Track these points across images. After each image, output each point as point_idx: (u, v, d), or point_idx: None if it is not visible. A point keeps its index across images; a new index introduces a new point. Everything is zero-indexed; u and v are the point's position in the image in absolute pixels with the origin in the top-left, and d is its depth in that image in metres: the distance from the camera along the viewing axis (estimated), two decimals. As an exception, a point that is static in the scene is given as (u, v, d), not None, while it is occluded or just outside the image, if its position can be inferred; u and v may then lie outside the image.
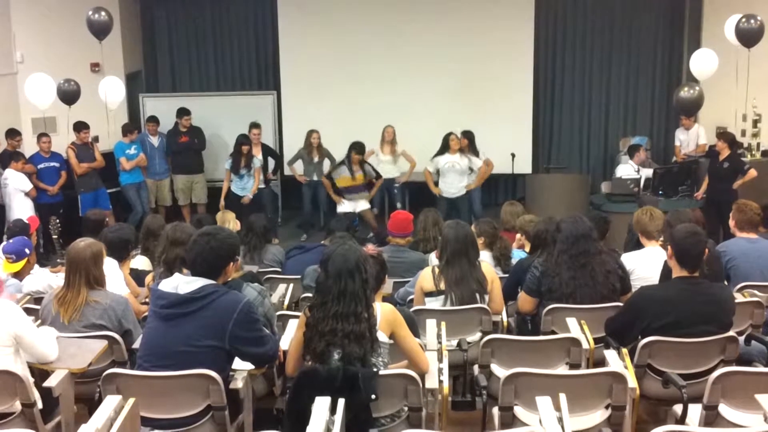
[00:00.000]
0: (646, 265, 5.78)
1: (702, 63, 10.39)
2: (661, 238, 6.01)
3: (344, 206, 10.97)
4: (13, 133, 10.51)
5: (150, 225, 7.09)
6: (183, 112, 11.94)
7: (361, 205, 11.01)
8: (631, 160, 11.25)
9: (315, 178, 11.58)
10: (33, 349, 4.21)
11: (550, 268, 5.31)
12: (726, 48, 10.51)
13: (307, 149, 11.53)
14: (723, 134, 10.23)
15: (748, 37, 9.77)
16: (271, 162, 12.22)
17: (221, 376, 3.85)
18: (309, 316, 3.89)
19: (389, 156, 11.49)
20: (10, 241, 6.06)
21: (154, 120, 12.05)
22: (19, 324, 4.19)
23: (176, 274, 4.00)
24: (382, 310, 3.99)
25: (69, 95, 10.37)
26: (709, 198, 10.09)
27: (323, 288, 3.87)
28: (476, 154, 11.04)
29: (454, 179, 10.73)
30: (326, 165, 11.59)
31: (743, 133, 11.20)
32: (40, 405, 4.10)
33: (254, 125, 11.62)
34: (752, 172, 9.80)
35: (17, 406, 4.04)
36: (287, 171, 12.83)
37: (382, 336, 3.92)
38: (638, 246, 6.31)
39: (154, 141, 11.95)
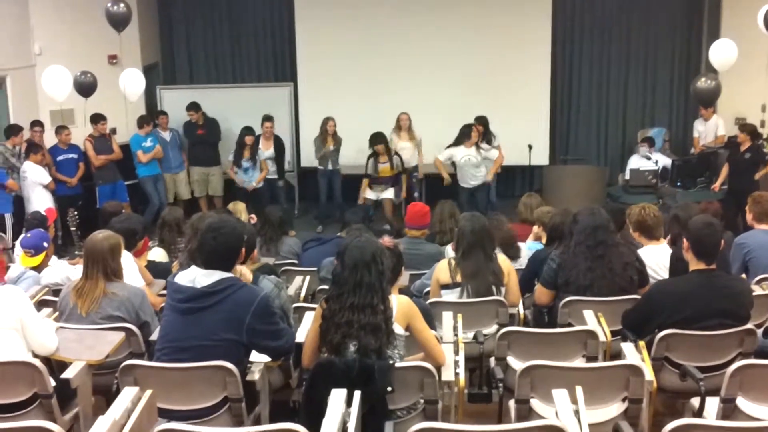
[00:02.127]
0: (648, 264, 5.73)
1: (722, 53, 10.29)
2: (669, 237, 5.95)
3: (368, 193, 11.03)
4: (33, 124, 10.58)
5: (166, 217, 7.12)
6: (190, 107, 11.95)
7: (385, 193, 11.06)
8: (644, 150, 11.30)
9: (330, 167, 11.59)
10: (35, 336, 4.27)
11: (567, 260, 5.29)
12: (746, 38, 10.42)
13: (322, 137, 11.53)
14: (744, 126, 10.17)
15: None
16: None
17: (238, 368, 3.86)
18: (325, 308, 3.90)
19: (407, 143, 11.45)
20: (28, 235, 6.09)
21: (164, 114, 12.10)
22: (24, 309, 4.26)
23: (192, 267, 4.00)
24: (398, 302, 3.99)
25: (86, 87, 10.41)
26: (729, 189, 10.03)
27: (340, 280, 3.88)
28: (490, 139, 11.02)
29: (472, 171, 10.70)
30: (340, 154, 11.65)
31: (762, 124, 11.11)
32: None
33: (267, 118, 11.66)
34: None
35: (35, 396, 4.07)
36: (303, 162, 12.89)
37: (398, 328, 3.92)
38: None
39: (166, 135, 11.97)
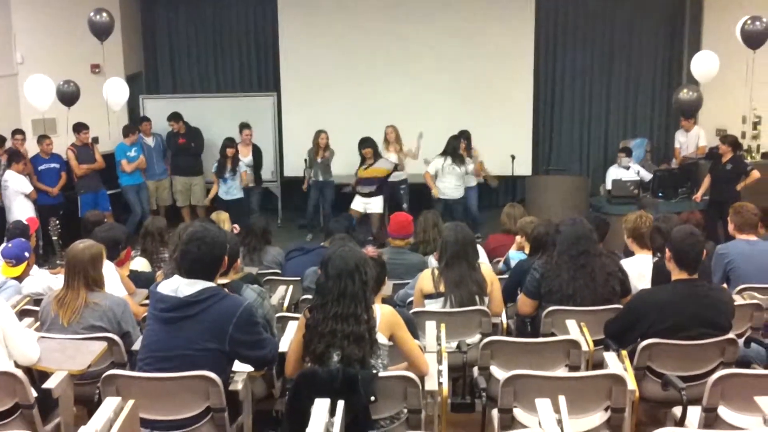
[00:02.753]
0: (637, 273, 5.74)
1: (703, 65, 10.36)
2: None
3: (356, 203, 11.04)
4: (15, 132, 10.55)
5: (149, 227, 7.10)
6: (171, 117, 11.95)
7: (373, 206, 11.04)
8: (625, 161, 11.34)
9: (320, 178, 11.59)
10: (17, 346, 4.22)
11: (550, 269, 5.31)
12: (726, 50, 10.51)
13: (315, 149, 11.56)
14: (726, 137, 10.25)
15: (753, 39, 9.74)
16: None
17: (221, 378, 3.85)
18: (309, 317, 3.90)
19: (394, 155, 11.42)
20: (9, 245, 6.06)
21: (146, 120, 12.09)
22: (6, 320, 4.21)
23: (175, 276, 3.98)
24: (382, 311, 4.00)
25: (68, 96, 10.37)
26: (711, 200, 10.10)
27: (323, 289, 3.88)
28: (469, 155, 11.08)
29: (453, 181, 10.74)
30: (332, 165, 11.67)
31: (743, 135, 11.18)
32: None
33: (245, 126, 11.70)
34: (755, 174, 9.82)
35: (16, 406, 4.04)
36: (287, 172, 12.89)
37: (381, 338, 3.92)
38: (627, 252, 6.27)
39: (150, 141, 11.98)
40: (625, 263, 5.76)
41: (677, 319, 4.47)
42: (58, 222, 7.88)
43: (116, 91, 10.85)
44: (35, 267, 6.24)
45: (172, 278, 3.98)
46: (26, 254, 5.97)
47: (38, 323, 4.83)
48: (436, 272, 5.51)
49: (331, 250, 4.02)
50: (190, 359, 3.81)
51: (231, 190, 11.32)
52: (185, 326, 3.83)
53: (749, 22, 9.75)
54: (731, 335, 4.54)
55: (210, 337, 3.83)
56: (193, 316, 3.82)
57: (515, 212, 7.76)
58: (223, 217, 7.80)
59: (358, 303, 3.81)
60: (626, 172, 11.20)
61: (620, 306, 5.09)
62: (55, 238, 7.77)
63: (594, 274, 5.21)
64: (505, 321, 5.63)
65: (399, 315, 4.10)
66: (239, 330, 3.84)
